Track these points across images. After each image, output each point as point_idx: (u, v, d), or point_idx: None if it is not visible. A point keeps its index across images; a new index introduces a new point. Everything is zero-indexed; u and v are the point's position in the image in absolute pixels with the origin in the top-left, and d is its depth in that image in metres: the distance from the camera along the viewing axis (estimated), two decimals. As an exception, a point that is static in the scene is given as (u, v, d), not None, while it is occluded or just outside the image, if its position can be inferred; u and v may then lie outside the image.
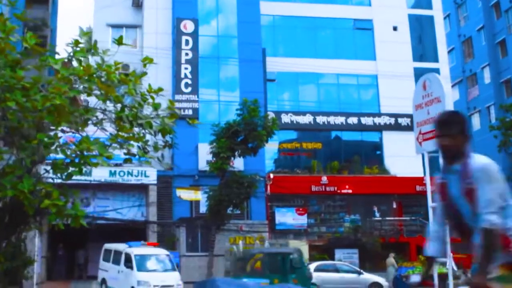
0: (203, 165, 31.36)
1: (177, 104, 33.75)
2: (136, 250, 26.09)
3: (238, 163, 31.90)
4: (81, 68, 11.45)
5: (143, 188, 32.41)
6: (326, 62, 38.20)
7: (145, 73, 13.91)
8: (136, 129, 12.39)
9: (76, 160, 10.83)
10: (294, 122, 37.09)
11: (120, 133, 12.12)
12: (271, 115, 34.11)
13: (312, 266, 27.60)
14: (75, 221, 10.70)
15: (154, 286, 23.91)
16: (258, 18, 36.98)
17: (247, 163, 32.43)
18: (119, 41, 12.45)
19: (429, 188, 15.05)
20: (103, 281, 26.89)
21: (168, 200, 32.51)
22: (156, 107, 12.60)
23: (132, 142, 12.13)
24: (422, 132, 14.68)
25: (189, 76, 34.70)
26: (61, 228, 11.74)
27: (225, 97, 34.99)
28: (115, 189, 32.47)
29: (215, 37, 36.36)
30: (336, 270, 27.55)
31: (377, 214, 35.88)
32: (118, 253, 26.52)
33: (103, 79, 11.85)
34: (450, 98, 40.20)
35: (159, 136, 12.23)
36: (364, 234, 34.74)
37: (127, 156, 12.37)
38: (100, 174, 31.01)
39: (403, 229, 35.85)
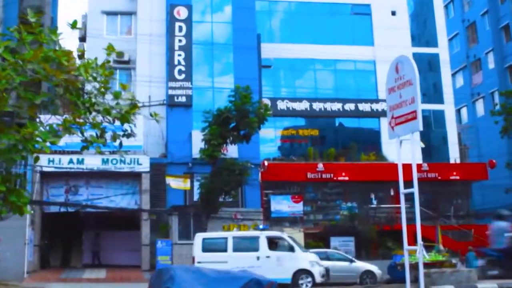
0: (196, 153, 31.06)
1: (170, 91, 33.78)
2: (276, 233, 25.61)
3: (232, 151, 31.66)
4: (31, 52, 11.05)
5: (136, 176, 32.20)
6: (323, 48, 37.76)
7: (108, 61, 13.55)
8: (98, 119, 12.09)
9: (20, 146, 10.52)
10: (290, 108, 36.69)
11: (75, 119, 11.83)
12: (266, 102, 33.84)
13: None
14: (18, 210, 10.45)
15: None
16: (253, 4, 36.58)
17: (241, 150, 32.15)
18: (73, 25, 12.04)
19: (401, 175, 14.60)
20: None
21: (161, 188, 32.27)
22: (116, 96, 12.28)
23: (86, 128, 11.81)
24: (395, 116, 14.18)
25: (183, 62, 34.38)
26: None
27: (219, 83, 34.66)
28: (108, 177, 32.31)
29: (209, 23, 36.00)
30: (328, 258, 27.09)
31: (374, 202, 35.45)
32: (246, 239, 24.83)
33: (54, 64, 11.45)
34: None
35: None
36: (360, 222, 34.35)
37: (84, 144, 12.04)
38: (92, 162, 30.95)
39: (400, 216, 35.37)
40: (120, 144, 12.29)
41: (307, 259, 23.82)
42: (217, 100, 33.21)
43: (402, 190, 14.67)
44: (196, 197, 31.66)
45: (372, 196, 35.42)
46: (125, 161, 31.65)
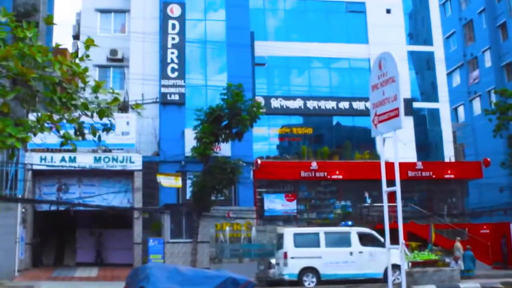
0: (189, 151, 30.92)
1: (163, 89, 33.65)
2: (365, 229, 25.91)
3: (225, 149, 31.56)
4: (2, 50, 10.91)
5: (129, 174, 32.07)
6: (317, 46, 37.59)
7: (88, 56, 13.43)
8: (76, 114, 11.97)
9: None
10: (284, 107, 36.54)
11: (51, 115, 11.74)
12: (260, 100, 33.73)
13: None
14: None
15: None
16: (246, 1, 36.43)
17: (234, 148, 32.07)
18: (48, 21, 11.93)
19: (383, 174, 14.45)
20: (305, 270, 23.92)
21: (154, 187, 32.13)
22: (95, 90, 12.14)
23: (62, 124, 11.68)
24: (378, 114, 14.03)
25: (176, 60, 34.27)
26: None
27: (212, 81, 34.50)
28: (101, 175, 32.20)
29: (203, 21, 35.86)
30: (319, 257, 26.99)
31: (368, 200, 35.28)
32: (337, 235, 24.97)
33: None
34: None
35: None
36: (354, 221, 34.17)
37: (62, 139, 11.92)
38: (85, 160, 30.84)
39: (395, 215, 35.19)
40: (99, 138, 12.13)
41: (397, 254, 24.15)
42: (210, 98, 33.06)
43: (384, 188, 14.53)
44: (189, 195, 31.53)
45: (366, 194, 35.25)
46: (118, 159, 31.52)
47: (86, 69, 12.05)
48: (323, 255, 23.64)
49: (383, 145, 15.11)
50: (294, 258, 23.39)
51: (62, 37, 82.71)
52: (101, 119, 12.12)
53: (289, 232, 24.60)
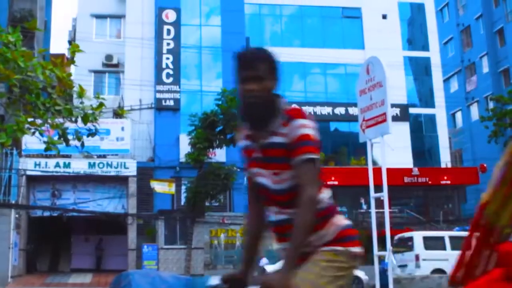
0: (184, 157, 30.86)
1: (158, 95, 33.58)
2: None
3: (220, 155, 31.47)
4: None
5: (123, 180, 32.00)
6: (313, 51, 37.44)
7: (73, 61, 13.42)
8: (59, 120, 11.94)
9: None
10: (280, 112, 36.37)
11: (35, 120, 11.74)
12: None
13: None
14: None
15: None
16: (241, 7, 36.38)
17: (229, 154, 31.91)
18: (31, 26, 11.90)
19: (371, 179, 14.30)
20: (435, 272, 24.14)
21: (148, 192, 32.02)
22: (80, 95, 12.10)
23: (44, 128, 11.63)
24: (365, 119, 13.89)
25: (171, 66, 34.23)
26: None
27: (208, 87, 34.39)
28: (95, 181, 32.14)
29: (198, 27, 35.80)
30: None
31: (364, 206, 35.15)
32: (458, 238, 24.32)
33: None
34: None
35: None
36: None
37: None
38: (79, 166, 30.77)
39: (391, 221, 35.07)
40: (82, 144, 12.09)
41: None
42: (206, 104, 32.92)
43: (372, 194, 14.36)
44: (183, 201, 31.42)
45: (362, 200, 35.14)
46: (112, 165, 31.50)
47: (69, 74, 12.00)
48: (449, 258, 23.33)
49: (370, 150, 14.90)
50: (425, 260, 24.08)
51: (59, 42, 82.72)
52: (85, 124, 12.07)
53: (418, 236, 25.35)
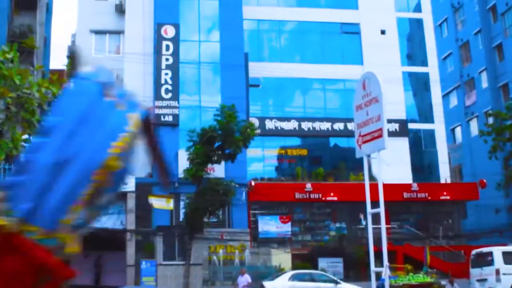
0: (182, 172, 30.80)
1: (157, 110, 33.53)
2: None
3: (219, 170, 31.38)
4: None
5: (122, 196, 31.83)
6: (312, 67, 37.56)
7: (65, 79, 13.43)
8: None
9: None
10: (279, 128, 36.39)
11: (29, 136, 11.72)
12: (254, 121, 33.63)
13: (287, 276, 26.88)
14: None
15: None
16: (240, 23, 36.40)
17: (228, 170, 31.84)
18: (28, 44, 11.92)
19: (368, 195, 14.26)
20: None
21: (147, 208, 31.92)
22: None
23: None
24: (362, 134, 13.88)
25: (170, 82, 34.23)
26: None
27: (206, 102, 34.39)
28: (94, 196, 31.92)
29: (197, 42, 35.85)
30: (312, 279, 26.75)
31: (363, 222, 35.02)
32: None
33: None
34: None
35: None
36: (349, 243, 33.98)
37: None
38: (78, 181, 30.58)
39: (390, 237, 34.98)
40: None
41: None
42: (204, 120, 32.90)
43: (369, 210, 14.32)
44: (182, 217, 31.31)
45: (361, 216, 34.99)
46: (111, 180, 31.32)
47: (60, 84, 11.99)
48: None
49: (367, 166, 14.85)
50: (505, 275, 24.54)
51: (58, 57, 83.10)
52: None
53: (497, 250, 25.80)
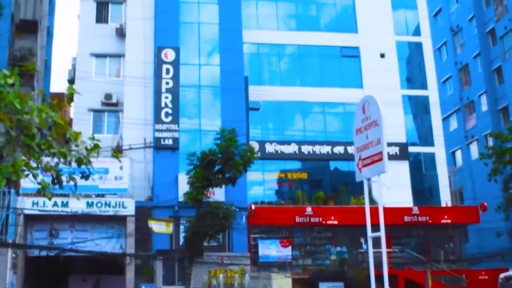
0: (182, 196, 30.73)
1: (157, 134, 33.57)
2: None
3: (219, 194, 31.34)
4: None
5: (121, 220, 31.78)
6: (312, 90, 37.63)
7: (70, 102, 13.43)
8: (46, 159, 11.89)
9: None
10: (279, 151, 36.35)
11: (29, 161, 11.70)
12: (254, 144, 33.63)
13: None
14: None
15: None
16: (240, 46, 36.52)
17: (228, 193, 31.78)
18: (30, 68, 11.91)
19: (368, 219, 14.19)
20: None
21: (147, 232, 31.77)
22: (74, 138, 12.07)
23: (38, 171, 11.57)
24: (362, 158, 13.84)
25: (170, 105, 34.24)
26: None
27: (206, 126, 34.40)
28: (94, 220, 31.93)
29: (197, 66, 35.93)
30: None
31: (364, 246, 34.84)
32: None
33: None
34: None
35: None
36: (350, 267, 33.75)
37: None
38: (77, 205, 30.56)
39: (391, 261, 34.78)
40: (75, 186, 12.02)
41: None
42: (204, 143, 32.88)
43: (369, 234, 14.24)
44: (182, 241, 31.17)
45: (362, 240, 34.81)
46: (110, 204, 31.35)
47: (65, 120, 11.98)
48: None
49: (367, 189, 14.78)
50: None
51: (59, 80, 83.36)
52: (79, 167, 12.04)
53: None
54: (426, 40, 41.09)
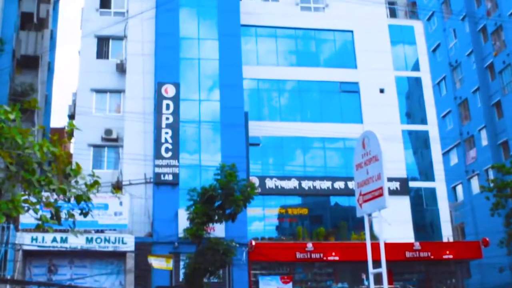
0: (182, 232, 30.58)
1: (157, 169, 33.51)
2: None
3: (219, 230, 31.19)
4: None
5: (121, 256, 31.57)
6: (312, 125, 37.72)
7: (65, 140, 13.43)
8: (45, 194, 11.88)
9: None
10: (279, 187, 36.24)
11: (29, 196, 11.72)
12: (254, 180, 33.57)
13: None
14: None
15: None
16: (240, 82, 36.66)
17: (228, 229, 31.64)
18: (32, 104, 11.97)
19: (369, 254, 14.07)
20: None
21: (147, 268, 31.52)
22: (75, 173, 12.08)
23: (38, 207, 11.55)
24: (362, 193, 13.78)
25: (170, 140, 34.25)
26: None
27: (206, 161, 34.36)
28: (93, 256, 31.71)
29: (197, 101, 36.03)
30: None
31: (366, 282, 34.53)
32: None
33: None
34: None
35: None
36: (351, 302, 33.47)
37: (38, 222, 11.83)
38: (76, 241, 30.34)
39: (393, 298, 34.51)
40: (74, 223, 12.02)
41: None
42: (205, 178, 32.85)
43: (371, 270, 14.10)
44: (182, 277, 30.90)
45: (364, 276, 34.51)
46: (110, 240, 31.18)
47: (66, 153, 11.98)
48: None
49: (368, 225, 14.71)
50: None
51: (59, 115, 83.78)
52: (78, 204, 12.04)
53: None
54: (425, 75, 41.29)
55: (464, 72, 53.18)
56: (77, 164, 11.71)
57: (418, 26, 42.66)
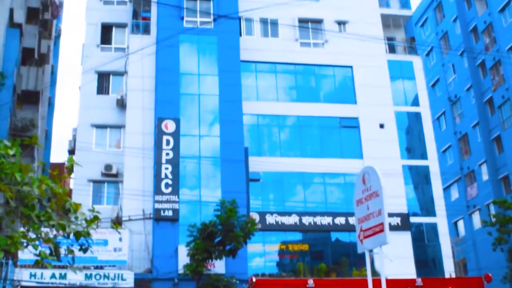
0: (182, 268, 30.36)
1: (157, 205, 33.40)
2: None
3: (219, 266, 31.02)
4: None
5: (120, 292, 31.25)
6: (312, 161, 37.62)
7: (65, 175, 13.43)
8: (44, 229, 11.83)
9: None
10: (279, 223, 36.04)
11: (28, 232, 11.69)
12: (254, 216, 33.45)
13: None
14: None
15: None
16: (240, 117, 36.75)
17: (228, 265, 31.42)
18: (33, 141, 12.00)
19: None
20: None
21: (146, 305, 31.28)
22: (74, 210, 12.06)
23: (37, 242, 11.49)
24: (363, 229, 13.69)
25: (170, 176, 34.18)
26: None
27: (207, 197, 34.26)
28: (92, 293, 31.39)
29: (197, 137, 36.05)
30: None
31: (367, 318, 34.14)
32: None
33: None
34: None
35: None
36: None
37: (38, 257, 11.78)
38: (75, 277, 30.10)
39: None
40: (73, 259, 11.96)
41: None
42: (204, 214, 32.73)
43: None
44: (182, 314, 30.66)
45: (365, 313, 34.12)
46: (109, 276, 30.93)
47: (65, 191, 11.95)
48: None
49: (369, 261, 14.56)
50: None
51: (59, 151, 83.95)
52: (77, 240, 11.99)
53: None
54: (425, 110, 41.36)
55: (463, 107, 53.37)
56: (73, 203, 11.66)
57: (417, 62, 42.87)
